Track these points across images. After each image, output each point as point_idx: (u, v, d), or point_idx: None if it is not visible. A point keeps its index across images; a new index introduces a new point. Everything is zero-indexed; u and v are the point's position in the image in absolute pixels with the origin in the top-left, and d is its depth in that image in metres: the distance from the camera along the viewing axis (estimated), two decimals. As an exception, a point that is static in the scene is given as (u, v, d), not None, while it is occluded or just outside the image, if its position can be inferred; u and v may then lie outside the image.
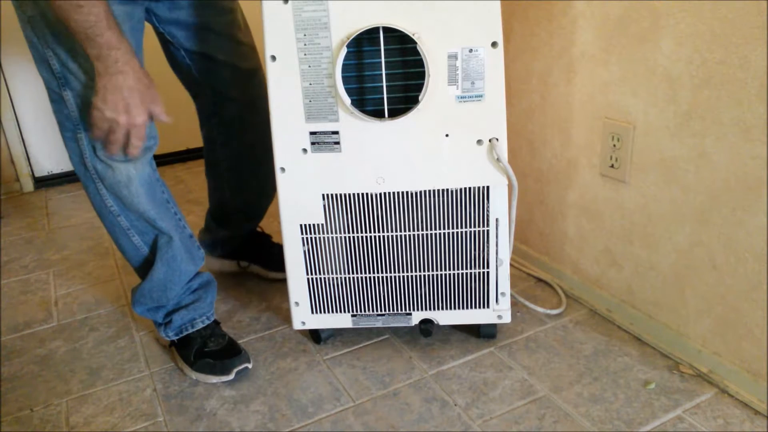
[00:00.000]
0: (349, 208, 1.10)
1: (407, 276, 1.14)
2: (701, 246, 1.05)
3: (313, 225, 1.11)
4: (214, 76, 1.24)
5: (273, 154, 1.07)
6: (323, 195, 1.09)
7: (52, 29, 0.94)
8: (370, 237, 1.11)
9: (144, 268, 1.16)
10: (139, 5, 1.03)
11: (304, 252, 1.13)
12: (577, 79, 1.22)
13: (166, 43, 1.21)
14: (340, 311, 1.18)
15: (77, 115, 1.00)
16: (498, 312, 1.16)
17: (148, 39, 1.10)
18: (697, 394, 1.05)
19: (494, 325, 1.21)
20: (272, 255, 1.50)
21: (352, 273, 1.14)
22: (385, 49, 0.98)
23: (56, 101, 1.01)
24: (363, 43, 0.98)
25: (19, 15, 0.96)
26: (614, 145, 1.16)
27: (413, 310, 1.17)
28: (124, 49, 0.93)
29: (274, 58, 1.00)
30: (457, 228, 1.10)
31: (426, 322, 1.18)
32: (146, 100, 0.97)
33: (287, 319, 1.35)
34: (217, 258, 1.51)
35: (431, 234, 1.10)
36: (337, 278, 1.15)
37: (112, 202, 1.08)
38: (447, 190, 1.07)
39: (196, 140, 2.50)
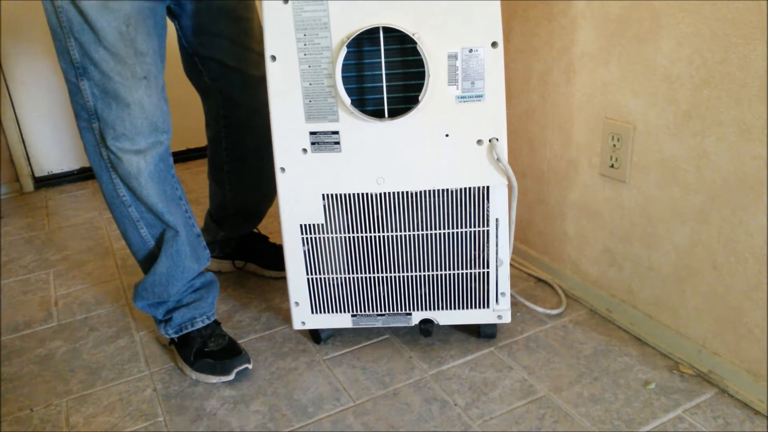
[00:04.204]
0: (349, 208, 1.10)
1: (407, 276, 1.14)
2: (701, 246, 1.05)
3: (313, 225, 1.11)
4: (224, 82, 1.26)
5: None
6: (323, 195, 1.09)
7: (78, 19, 0.96)
8: (370, 237, 1.11)
9: (148, 261, 1.16)
10: (161, 3, 1.04)
11: (304, 252, 1.13)
12: (577, 79, 1.22)
13: (182, 46, 1.24)
14: (340, 311, 1.18)
15: (92, 104, 1.02)
16: (498, 312, 1.16)
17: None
18: (697, 394, 1.05)
19: (494, 325, 1.21)
20: (268, 254, 1.51)
21: (352, 273, 1.14)
22: (385, 49, 0.98)
23: (73, 92, 1.03)
24: (363, 43, 0.98)
25: (46, 5, 0.97)
26: (614, 145, 1.16)
27: (413, 310, 1.17)
28: None
29: (274, 58, 1.00)
30: (457, 228, 1.10)
31: (426, 322, 1.18)
32: None
33: (287, 319, 1.35)
34: (213, 258, 1.51)
35: (431, 234, 1.10)
36: (337, 278, 1.15)
37: (124, 192, 1.09)
38: (447, 190, 1.07)
39: (196, 140, 2.50)
